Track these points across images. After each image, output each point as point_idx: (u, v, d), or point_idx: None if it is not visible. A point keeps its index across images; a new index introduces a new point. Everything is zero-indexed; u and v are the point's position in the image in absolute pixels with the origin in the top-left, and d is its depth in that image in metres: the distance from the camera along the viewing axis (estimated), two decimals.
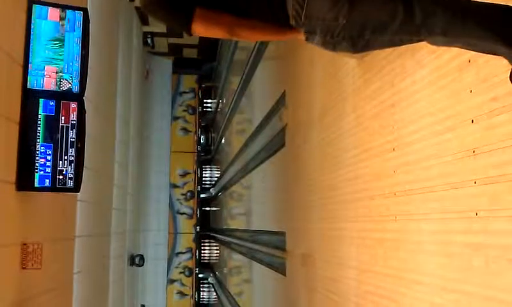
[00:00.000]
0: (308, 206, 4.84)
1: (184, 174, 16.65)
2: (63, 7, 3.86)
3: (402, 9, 1.60)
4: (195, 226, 16.53)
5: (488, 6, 1.69)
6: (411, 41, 1.75)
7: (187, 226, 16.51)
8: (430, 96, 2.45)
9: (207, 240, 16.82)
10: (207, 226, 16.93)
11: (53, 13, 3.81)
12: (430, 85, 2.43)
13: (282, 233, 5.92)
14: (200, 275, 16.44)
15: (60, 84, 3.80)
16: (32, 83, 3.70)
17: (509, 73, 1.77)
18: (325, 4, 1.59)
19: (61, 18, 3.83)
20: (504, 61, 1.88)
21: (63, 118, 3.77)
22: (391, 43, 1.75)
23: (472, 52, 1.98)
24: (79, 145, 3.81)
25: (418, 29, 1.63)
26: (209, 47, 14.39)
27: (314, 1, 1.59)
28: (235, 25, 1.68)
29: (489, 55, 1.81)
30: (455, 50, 2.18)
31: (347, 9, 1.59)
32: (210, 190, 17.13)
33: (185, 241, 16.43)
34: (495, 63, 1.94)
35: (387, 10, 1.61)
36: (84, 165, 3.94)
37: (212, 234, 16.31)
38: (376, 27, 1.63)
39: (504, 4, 1.73)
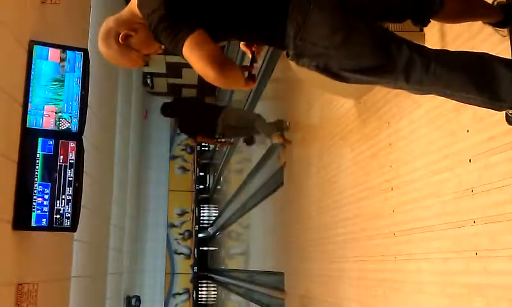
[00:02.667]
0: (306, 246, 4.80)
1: (182, 214, 16.55)
2: (64, 48, 3.91)
3: (386, 60, 1.65)
4: (192, 266, 16.34)
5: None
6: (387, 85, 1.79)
7: (184, 266, 16.32)
8: (427, 136, 2.46)
9: (204, 281, 16.60)
10: (205, 266, 16.74)
11: (54, 54, 3.86)
12: (427, 124, 2.45)
13: (281, 274, 5.85)
14: None
15: (59, 123, 3.82)
16: (31, 122, 3.72)
17: (504, 114, 1.80)
18: (323, 31, 1.63)
19: (62, 59, 3.88)
20: None
21: (61, 157, 3.77)
22: (368, 82, 1.79)
23: None
24: (76, 184, 3.81)
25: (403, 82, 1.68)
26: (208, 86, 14.52)
27: (313, 26, 1.63)
28: (222, 57, 1.67)
29: None
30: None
31: (340, 42, 1.63)
32: (208, 229, 17.01)
33: (182, 281, 16.21)
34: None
35: (377, 57, 1.65)
36: (82, 204, 3.92)
37: (209, 274, 16.11)
38: (360, 69, 1.68)
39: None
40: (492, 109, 1.73)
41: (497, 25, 1.87)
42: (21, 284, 3.59)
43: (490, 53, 1.81)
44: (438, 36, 2.32)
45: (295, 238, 5.27)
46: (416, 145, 2.59)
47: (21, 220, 3.59)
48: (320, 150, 4.38)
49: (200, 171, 17.33)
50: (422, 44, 1.84)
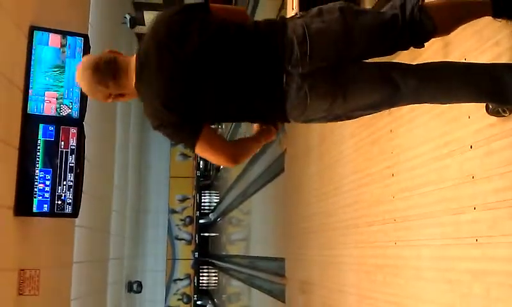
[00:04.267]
0: (307, 232, 4.81)
1: (183, 200, 16.60)
2: (64, 34, 3.90)
3: (392, 92, 1.74)
4: (194, 252, 16.42)
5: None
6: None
7: (185, 252, 16.40)
8: (428, 122, 2.46)
9: (205, 267, 16.69)
10: (206, 252, 16.82)
11: (54, 39, 3.85)
12: (428, 111, 2.45)
13: (281, 259, 5.88)
14: (199, 303, 16.27)
15: (60, 109, 3.82)
16: (32, 108, 3.72)
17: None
18: (321, 107, 1.74)
19: (62, 45, 3.87)
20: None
21: (62, 143, 3.78)
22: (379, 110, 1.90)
23: None
24: (77, 170, 3.81)
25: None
26: None
27: (313, 106, 1.73)
28: (233, 151, 1.85)
29: None
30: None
31: (341, 106, 1.74)
32: (209, 215, 17.07)
33: (184, 267, 16.29)
34: None
35: (383, 91, 1.75)
36: (83, 190, 3.93)
37: (210, 260, 16.19)
38: (369, 106, 1.80)
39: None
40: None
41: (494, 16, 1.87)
42: (23, 270, 3.62)
43: (492, 62, 1.87)
44: None
45: (296, 224, 5.29)
46: (418, 131, 2.58)
47: (22, 206, 3.61)
48: (321, 136, 4.38)
49: (201, 158, 17.34)
50: (425, 61, 1.88)
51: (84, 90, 1.89)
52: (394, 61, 1.84)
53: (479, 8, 1.85)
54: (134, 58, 1.84)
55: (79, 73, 1.84)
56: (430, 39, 1.80)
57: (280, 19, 1.81)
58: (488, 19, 1.93)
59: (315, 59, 1.69)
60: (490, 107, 1.92)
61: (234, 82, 1.75)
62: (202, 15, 1.79)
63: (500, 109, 1.88)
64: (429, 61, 1.94)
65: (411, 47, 1.80)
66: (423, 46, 1.80)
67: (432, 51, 2.35)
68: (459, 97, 1.83)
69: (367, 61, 1.81)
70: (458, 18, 1.85)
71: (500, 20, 1.85)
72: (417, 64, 1.82)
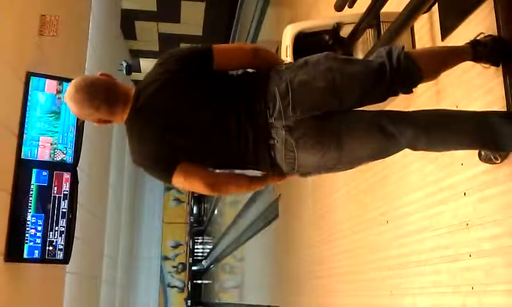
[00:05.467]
0: (301, 280, 4.75)
1: (176, 246, 16.43)
2: (60, 80, 3.94)
3: (386, 141, 1.75)
4: (186, 299, 16.14)
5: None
6: None
7: (177, 299, 16.12)
8: (422, 169, 2.47)
9: None
10: (198, 300, 16.53)
11: (50, 85, 3.88)
12: (421, 158, 2.46)
13: None
14: None
15: (54, 154, 3.82)
16: (26, 153, 3.72)
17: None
18: (313, 158, 1.73)
19: (58, 91, 3.90)
20: None
21: (55, 188, 3.76)
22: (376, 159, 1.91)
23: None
24: (70, 216, 3.79)
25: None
26: None
27: (304, 158, 1.72)
28: (212, 181, 1.80)
29: None
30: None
31: (336, 157, 1.73)
32: (202, 262, 16.86)
33: None
34: None
35: (373, 145, 1.76)
36: (75, 236, 3.89)
37: None
38: (365, 160, 1.84)
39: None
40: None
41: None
42: None
43: (484, 110, 1.90)
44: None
45: (290, 271, 5.23)
46: (411, 178, 2.59)
47: (13, 252, 3.56)
48: (315, 183, 4.38)
49: (194, 203, 17.26)
50: (419, 109, 1.92)
51: (72, 110, 1.80)
52: (387, 108, 1.87)
53: (461, 53, 1.91)
54: (132, 92, 1.80)
55: (71, 93, 1.74)
56: (418, 84, 1.83)
57: (265, 73, 1.79)
58: (479, 68, 1.97)
59: (299, 112, 1.68)
60: (483, 154, 1.94)
61: (229, 134, 1.74)
62: (202, 63, 1.78)
63: (492, 156, 1.90)
64: (422, 108, 1.97)
65: (401, 94, 1.83)
66: (412, 91, 1.83)
67: (425, 98, 2.39)
68: (454, 145, 1.86)
69: (359, 109, 1.81)
70: (442, 63, 1.90)
71: (485, 65, 1.90)
72: (411, 112, 1.85)
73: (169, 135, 1.75)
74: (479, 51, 1.88)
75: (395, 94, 1.83)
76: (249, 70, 1.85)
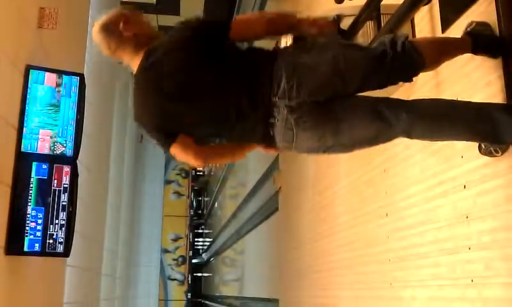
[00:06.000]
0: (301, 273, 4.76)
1: (176, 239, 16.45)
2: (60, 73, 3.92)
3: (384, 127, 1.78)
4: (186, 292, 16.18)
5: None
6: None
7: (178, 292, 16.16)
8: (423, 162, 2.47)
9: None
10: (199, 293, 16.57)
11: (49, 78, 3.87)
12: (423, 150, 2.46)
13: (275, 300, 5.80)
14: None
15: (54, 147, 3.81)
16: (26, 146, 3.71)
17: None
18: (311, 140, 1.78)
19: (58, 84, 3.89)
20: None
21: (55, 181, 3.75)
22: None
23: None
24: (70, 209, 3.78)
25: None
26: None
27: (302, 138, 1.77)
28: (204, 157, 1.92)
29: None
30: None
31: (333, 140, 1.78)
32: (202, 255, 16.90)
33: None
34: None
35: (370, 130, 1.79)
36: (75, 229, 3.89)
37: (203, 301, 15.94)
38: (362, 145, 1.86)
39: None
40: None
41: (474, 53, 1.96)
42: None
43: (483, 102, 1.91)
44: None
45: (290, 264, 5.24)
46: (411, 171, 2.59)
47: (13, 246, 3.56)
48: (316, 175, 4.38)
49: (194, 196, 17.28)
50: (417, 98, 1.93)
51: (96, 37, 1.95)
52: (387, 96, 1.87)
53: (461, 44, 1.93)
54: (143, 52, 1.89)
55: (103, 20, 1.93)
56: (419, 73, 1.85)
57: (273, 50, 1.85)
58: (478, 60, 1.97)
59: (302, 94, 1.73)
60: (483, 146, 1.94)
61: (228, 108, 1.80)
62: (215, 36, 1.82)
63: (492, 149, 1.90)
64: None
65: (401, 82, 1.85)
66: (411, 80, 1.85)
67: (425, 91, 2.38)
68: (451, 135, 1.88)
69: (358, 95, 1.84)
70: (444, 54, 1.92)
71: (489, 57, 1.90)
72: (410, 100, 1.86)
73: (171, 103, 1.83)
74: (478, 44, 1.89)
75: (395, 82, 1.84)
76: (257, 46, 1.89)
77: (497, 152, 1.88)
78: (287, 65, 1.75)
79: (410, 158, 2.60)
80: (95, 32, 1.94)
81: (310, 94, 1.74)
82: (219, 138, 1.99)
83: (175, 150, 1.88)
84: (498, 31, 1.91)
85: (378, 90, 1.87)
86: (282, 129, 1.76)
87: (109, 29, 1.92)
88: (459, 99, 2.11)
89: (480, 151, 1.96)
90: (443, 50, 1.92)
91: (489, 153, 1.92)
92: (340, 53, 1.77)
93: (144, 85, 1.90)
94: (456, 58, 2.02)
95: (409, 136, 1.84)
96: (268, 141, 1.84)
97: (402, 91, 2.56)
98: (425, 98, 1.95)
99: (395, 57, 1.77)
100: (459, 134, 1.85)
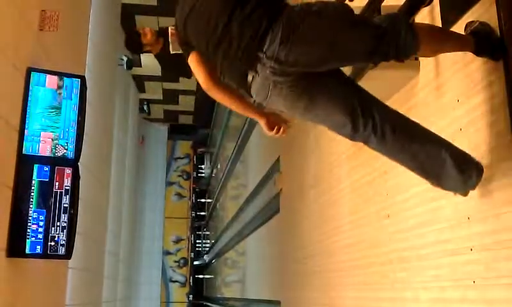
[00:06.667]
0: (303, 274, 4.76)
1: (177, 241, 16.44)
2: (61, 75, 3.93)
3: (350, 126, 1.84)
4: (188, 294, 16.17)
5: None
6: None
7: (179, 294, 16.14)
8: None
9: None
10: (200, 295, 16.56)
11: (51, 81, 3.87)
12: None
13: (277, 302, 5.79)
14: None
15: (55, 150, 3.82)
16: (27, 148, 3.71)
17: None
18: (282, 106, 1.87)
19: (59, 87, 3.89)
20: (495, 129, 1.91)
21: (56, 183, 3.76)
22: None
23: (462, 119, 2.07)
24: (72, 211, 3.79)
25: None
26: (204, 113, 14.59)
27: (274, 101, 1.84)
28: (212, 83, 2.01)
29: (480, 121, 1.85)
30: (447, 118, 2.22)
31: (302, 113, 1.86)
32: (204, 257, 16.88)
33: None
34: (486, 131, 1.97)
35: (337, 121, 1.86)
36: (76, 231, 3.89)
37: (205, 303, 15.93)
38: (324, 125, 1.95)
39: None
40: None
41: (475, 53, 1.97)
42: None
43: (447, 141, 1.91)
44: (433, 64, 2.35)
45: (291, 266, 5.23)
46: (413, 173, 2.58)
47: (15, 248, 3.56)
48: (317, 177, 4.38)
49: (196, 198, 17.28)
50: (388, 108, 1.94)
51: None
52: (367, 96, 1.89)
53: (463, 42, 1.95)
54: None
55: None
56: (410, 56, 1.88)
57: (283, 3, 1.84)
58: (480, 61, 1.97)
59: (290, 61, 1.73)
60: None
61: (216, 41, 1.86)
62: None
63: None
64: (412, 110, 2.01)
65: (392, 60, 1.86)
66: (403, 61, 1.87)
67: (426, 92, 2.38)
68: (401, 160, 1.93)
69: (343, 80, 1.89)
70: (443, 44, 1.95)
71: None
72: (386, 109, 1.88)
73: (186, 17, 1.97)
74: (481, 45, 1.90)
75: (386, 59, 1.86)
76: None
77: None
78: (287, 27, 1.73)
79: None
80: None
81: (296, 64, 1.74)
82: (207, 57, 2.02)
83: (191, 63, 2.02)
84: (498, 32, 1.91)
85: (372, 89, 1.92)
86: (259, 86, 1.81)
87: None
88: (459, 101, 2.11)
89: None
90: (443, 41, 1.95)
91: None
92: (339, 29, 1.77)
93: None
94: (457, 59, 2.02)
95: (366, 144, 1.91)
96: (244, 89, 1.89)
97: (404, 93, 2.56)
98: (400, 114, 1.94)
99: (392, 37, 1.79)
100: (407, 164, 1.93)
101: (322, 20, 1.76)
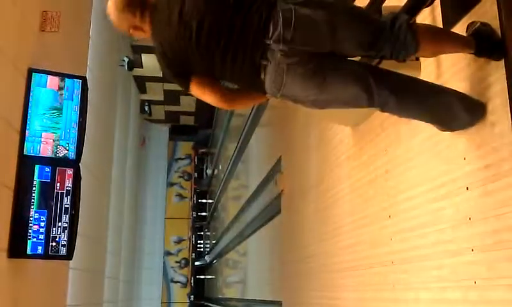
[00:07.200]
0: (304, 275, 4.76)
1: (179, 241, 16.45)
2: (62, 76, 3.94)
3: (365, 96, 1.88)
4: (189, 295, 16.17)
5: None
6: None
7: (181, 295, 16.15)
8: (424, 164, 2.47)
9: None
10: (202, 295, 16.57)
11: (52, 81, 3.88)
12: (424, 152, 2.46)
13: (278, 303, 5.79)
14: None
15: (57, 150, 3.83)
16: (28, 149, 3.72)
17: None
18: (297, 88, 1.85)
19: (60, 87, 3.90)
20: (496, 129, 1.91)
21: (58, 184, 3.77)
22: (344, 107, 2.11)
23: None
24: (73, 212, 3.79)
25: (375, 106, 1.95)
26: (206, 114, 14.61)
27: (290, 85, 1.84)
28: (221, 93, 2.01)
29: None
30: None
31: (317, 93, 1.86)
32: (205, 257, 16.89)
33: None
34: (488, 131, 1.97)
35: (352, 93, 1.88)
36: (78, 232, 3.90)
37: (206, 303, 15.93)
38: (339, 104, 1.99)
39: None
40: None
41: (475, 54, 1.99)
42: None
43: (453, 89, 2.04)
44: (434, 65, 2.35)
45: (293, 266, 5.23)
46: (413, 172, 2.59)
47: (16, 248, 3.57)
48: (318, 177, 4.38)
49: (197, 199, 17.28)
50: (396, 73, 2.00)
51: (112, 16, 2.02)
52: (376, 67, 1.97)
53: (463, 43, 1.96)
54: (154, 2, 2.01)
55: (114, 2, 1.99)
56: (410, 56, 1.93)
57: None
58: (481, 61, 1.97)
59: (297, 42, 1.78)
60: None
61: (222, 48, 1.86)
62: None
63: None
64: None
65: (390, 58, 1.90)
66: (404, 61, 1.93)
67: None
68: (415, 115, 2.05)
69: (351, 59, 1.92)
70: (443, 45, 1.98)
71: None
72: (392, 74, 1.95)
73: (181, 41, 1.91)
74: (482, 46, 1.91)
75: (386, 58, 1.91)
76: None
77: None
78: (286, 11, 1.79)
79: (412, 160, 2.60)
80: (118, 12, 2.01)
81: (303, 43, 1.78)
82: (214, 75, 2.01)
83: (194, 90, 1.99)
84: (500, 32, 1.91)
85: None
86: (273, 73, 1.81)
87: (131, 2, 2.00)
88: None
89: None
90: (443, 42, 1.97)
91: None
92: (339, 17, 1.82)
93: (158, 29, 2.00)
94: (458, 59, 2.02)
95: (383, 109, 1.95)
96: (257, 87, 1.89)
97: None
98: (406, 75, 2.01)
99: (391, 34, 1.82)
100: (421, 116, 2.03)
101: (322, 4, 1.83)
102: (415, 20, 1.99)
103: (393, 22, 1.83)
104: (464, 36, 2.00)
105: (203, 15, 1.87)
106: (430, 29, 2.07)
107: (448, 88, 2.06)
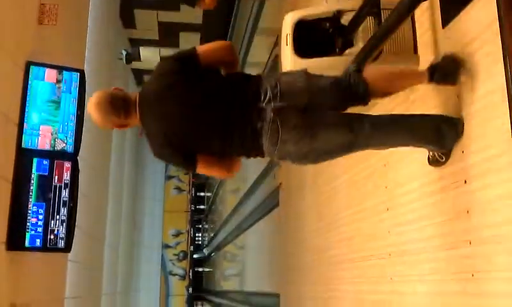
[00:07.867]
0: (302, 267, 4.78)
1: (177, 234, 16.48)
2: (60, 69, 3.93)
3: (351, 134, 2.06)
4: (187, 287, 16.22)
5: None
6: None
7: (179, 287, 16.19)
8: (423, 157, 2.47)
9: (199, 302, 16.46)
10: (200, 288, 16.62)
11: (50, 74, 3.87)
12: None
13: (276, 295, 5.81)
14: None
15: (55, 143, 3.82)
16: (26, 142, 3.72)
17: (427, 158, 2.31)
18: (291, 145, 2.03)
19: (58, 81, 3.89)
20: (494, 123, 1.92)
21: (56, 177, 3.77)
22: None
23: (462, 111, 2.08)
24: (71, 205, 3.80)
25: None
26: None
27: (284, 145, 2.03)
28: (226, 166, 2.20)
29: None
30: (448, 110, 2.23)
31: (309, 142, 2.03)
32: (203, 250, 16.93)
33: (177, 303, 16.07)
34: (487, 125, 1.97)
35: (338, 135, 2.07)
36: (76, 225, 3.90)
37: (204, 296, 15.99)
38: (329, 152, 2.13)
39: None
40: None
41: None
42: (14, 305, 3.56)
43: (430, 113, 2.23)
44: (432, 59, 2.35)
45: (291, 259, 5.25)
46: (411, 166, 2.59)
47: (15, 241, 3.57)
48: (316, 171, 4.38)
49: (195, 191, 17.30)
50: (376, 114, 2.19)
51: (96, 119, 2.12)
52: (355, 112, 2.16)
53: (418, 76, 2.19)
54: (137, 96, 2.13)
55: (93, 105, 2.09)
56: (368, 100, 2.13)
57: (257, 75, 2.15)
58: (480, 59, 1.97)
59: (285, 99, 2.03)
60: (430, 157, 2.28)
61: (218, 124, 2.07)
62: (191, 64, 2.10)
63: (437, 156, 2.21)
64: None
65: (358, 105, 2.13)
66: (366, 104, 2.13)
67: (425, 90, 2.38)
68: (403, 141, 2.19)
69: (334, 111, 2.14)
70: (395, 84, 2.19)
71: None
72: (372, 115, 2.14)
73: (174, 137, 2.10)
74: (435, 77, 2.11)
75: (352, 105, 2.14)
76: (245, 73, 2.23)
77: (441, 158, 2.19)
78: (270, 81, 2.06)
79: (410, 153, 2.60)
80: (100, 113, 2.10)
81: (290, 100, 2.03)
82: (222, 152, 2.17)
83: (201, 169, 2.14)
84: (498, 26, 1.91)
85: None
86: (268, 130, 2.01)
87: (113, 102, 2.10)
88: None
89: (429, 163, 2.29)
90: (394, 81, 2.19)
91: (436, 163, 2.24)
92: (309, 80, 2.08)
93: (150, 129, 2.15)
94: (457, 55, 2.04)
95: (369, 145, 2.15)
96: (256, 152, 2.11)
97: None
98: (383, 113, 2.22)
99: (348, 86, 2.10)
100: (409, 140, 2.18)
101: (293, 73, 2.16)
102: (361, 69, 2.19)
103: (348, 75, 2.11)
104: (417, 70, 2.25)
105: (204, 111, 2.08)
106: (378, 72, 2.26)
107: (431, 115, 2.22)
